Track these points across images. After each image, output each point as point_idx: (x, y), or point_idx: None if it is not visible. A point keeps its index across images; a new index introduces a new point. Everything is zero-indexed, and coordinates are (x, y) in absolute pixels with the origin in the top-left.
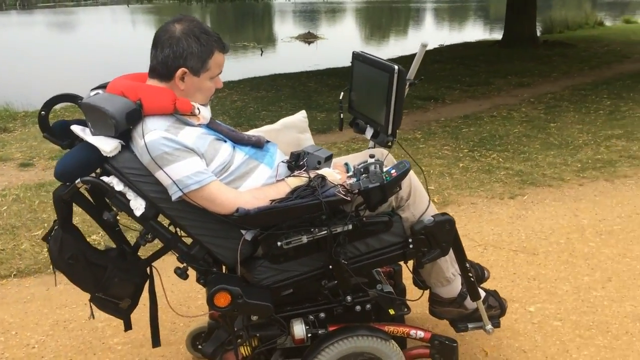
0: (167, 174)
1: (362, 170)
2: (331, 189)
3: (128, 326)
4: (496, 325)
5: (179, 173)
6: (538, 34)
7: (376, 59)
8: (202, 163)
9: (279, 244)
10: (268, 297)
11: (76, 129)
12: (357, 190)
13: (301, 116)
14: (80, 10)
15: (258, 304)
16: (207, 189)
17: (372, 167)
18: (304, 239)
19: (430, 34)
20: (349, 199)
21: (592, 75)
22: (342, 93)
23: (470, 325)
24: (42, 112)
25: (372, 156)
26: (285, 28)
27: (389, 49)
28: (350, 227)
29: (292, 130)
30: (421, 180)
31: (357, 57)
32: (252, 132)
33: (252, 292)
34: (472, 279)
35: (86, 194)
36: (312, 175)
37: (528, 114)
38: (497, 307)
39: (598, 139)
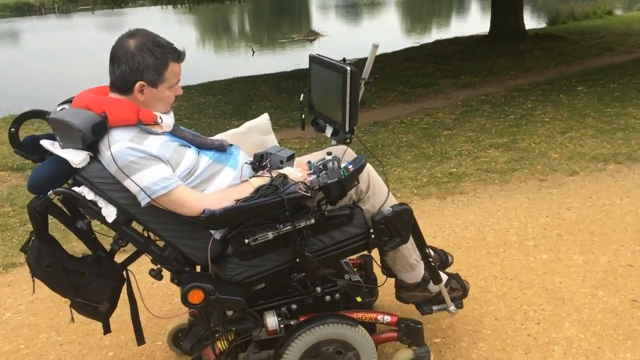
0: (134, 182)
1: (321, 167)
2: (292, 187)
3: (107, 329)
4: (459, 306)
5: (145, 180)
6: (543, 25)
7: (330, 61)
8: (168, 169)
9: (246, 241)
10: (239, 292)
11: (46, 143)
12: (317, 186)
13: (264, 119)
14: (120, 12)
15: (230, 298)
16: (173, 194)
17: (330, 164)
18: (270, 235)
19: (440, 26)
20: (309, 195)
21: (553, 71)
22: (302, 95)
23: (434, 308)
24: (12, 129)
25: (329, 153)
26: (312, 24)
27: (403, 41)
28: (312, 221)
29: (256, 132)
30: (380, 173)
31: (313, 59)
32: (218, 136)
33: (224, 288)
34: (433, 264)
35: (60, 204)
36: (274, 174)
37: (436, 121)
38: (459, 289)
39: (476, 149)
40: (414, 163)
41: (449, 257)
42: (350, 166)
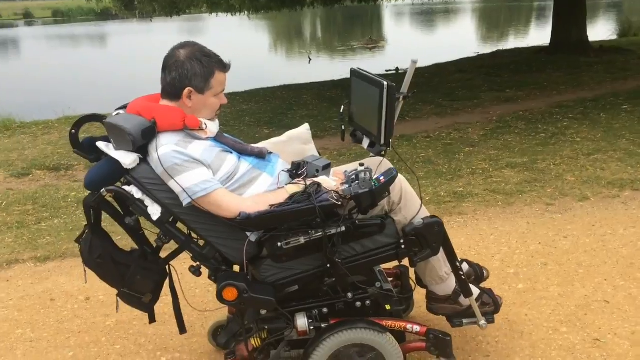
0: (177, 183)
1: (353, 177)
2: (325, 195)
3: (152, 319)
4: (490, 321)
5: (188, 182)
6: (614, 37)
7: (369, 75)
8: (209, 173)
9: (279, 244)
10: (271, 292)
11: (101, 144)
12: (348, 196)
13: (304, 129)
14: (198, 17)
15: (261, 298)
16: (212, 196)
17: (362, 174)
18: (302, 240)
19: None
20: (340, 203)
21: (606, 87)
22: (342, 107)
23: (465, 321)
24: (73, 131)
25: (361, 164)
26: (383, 31)
27: (468, 50)
28: (343, 229)
29: (296, 141)
30: (414, 185)
31: (353, 73)
32: (260, 144)
33: (257, 288)
34: (463, 277)
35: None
36: (308, 182)
37: (462, 136)
38: (491, 304)
39: (492, 168)
40: (423, 180)
41: (485, 272)
42: (382, 177)
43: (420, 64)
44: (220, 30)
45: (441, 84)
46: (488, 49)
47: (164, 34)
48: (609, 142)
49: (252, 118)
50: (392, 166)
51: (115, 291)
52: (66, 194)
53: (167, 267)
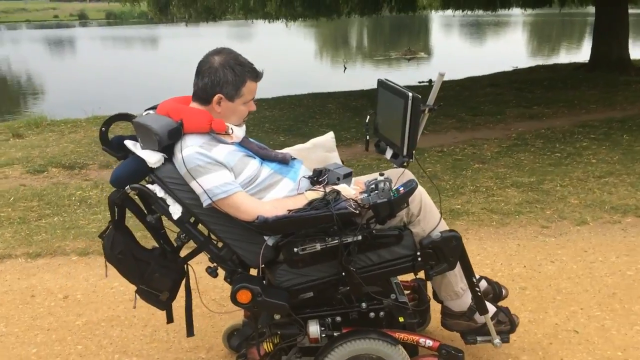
0: (199, 184)
1: (372, 187)
2: (343, 203)
3: (170, 319)
4: (505, 340)
5: (209, 183)
6: None
7: (395, 86)
8: (231, 175)
9: (295, 250)
10: (285, 297)
11: (129, 143)
12: (367, 205)
13: (329, 137)
14: (244, 23)
15: (275, 302)
16: (232, 198)
17: (381, 184)
18: (318, 247)
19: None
20: (357, 212)
21: (637, 108)
22: (367, 117)
23: (479, 338)
24: (103, 129)
25: (381, 174)
26: (426, 41)
27: (509, 63)
28: (360, 238)
29: (320, 149)
30: (436, 199)
31: (381, 84)
32: (285, 150)
33: (271, 292)
34: (480, 294)
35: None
36: (328, 189)
37: (475, 152)
38: (506, 322)
39: (496, 186)
40: None
41: (503, 290)
42: (401, 188)
43: (455, 76)
44: (265, 36)
45: (470, 98)
46: (537, 63)
47: (212, 38)
48: (625, 165)
49: (272, 125)
50: (413, 177)
51: (133, 287)
52: (72, 192)
53: (185, 266)
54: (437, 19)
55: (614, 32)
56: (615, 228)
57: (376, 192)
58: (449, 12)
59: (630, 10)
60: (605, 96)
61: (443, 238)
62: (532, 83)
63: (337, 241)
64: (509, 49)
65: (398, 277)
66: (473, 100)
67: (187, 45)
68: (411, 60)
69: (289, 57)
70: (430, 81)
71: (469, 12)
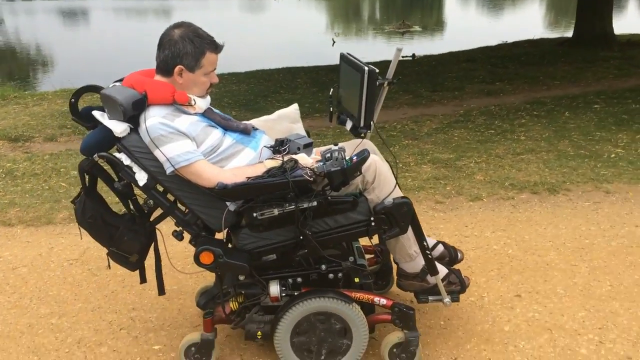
0: (162, 152)
1: (328, 156)
2: (299, 171)
3: (143, 279)
4: (455, 299)
5: (171, 152)
6: None
7: (354, 60)
8: (192, 144)
9: (254, 214)
10: (245, 258)
11: (96, 113)
12: (321, 173)
13: (293, 108)
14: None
15: (235, 263)
16: (194, 166)
17: (335, 154)
18: (276, 212)
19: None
20: (312, 179)
21: (602, 85)
22: (331, 90)
23: (430, 298)
24: (72, 100)
25: (335, 144)
26: (439, 14)
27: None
28: (315, 204)
29: (285, 120)
30: (394, 169)
31: (342, 58)
32: (252, 121)
33: (232, 254)
34: (430, 256)
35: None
36: (286, 158)
37: (413, 129)
38: (457, 283)
39: (414, 163)
40: None
41: (459, 254)
42: (355, 157)
43: (447, 50)
44: (275, 9)
45: (441, 74)
46: (547, 36)
47: (222, 11)
48: (551, 142)
49: (231, 99)
50: (375, 148)
51: None
52: (3, 164)
53: (155, 230)
54: None
55: (597, 6)
56: (507, 204)
57: (331, 160)
58: None
59: None
60: (574, 72)
61: (395, 204)
62: (510, 59)
63: (293, 207)
64: (530, 21)
65: (360, 241)
66: (442, 76)
67: (196, 17)
68: (405, 34)
69: (289, 30)
70: (413, 55)
71: None
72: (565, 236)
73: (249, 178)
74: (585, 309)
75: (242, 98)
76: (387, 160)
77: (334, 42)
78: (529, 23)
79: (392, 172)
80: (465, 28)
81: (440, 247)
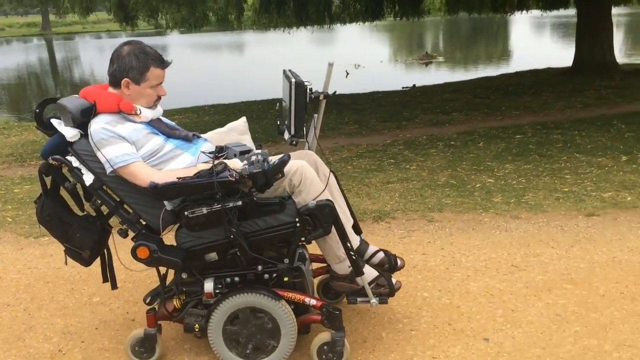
0: (102, 154)
1: (253, 159)
2: (225, 173)
3: (105, 279)
4: (383, 301)
5: (111, 153)
6: None
7: (289, 75)
8: (131, 148)
9: (185, 213)
10: (180, 255)
11: (54, 121)
12: (245, 174)
13: (242, 121)
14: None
15: (168, 258)
16: (130, 167)
17: (257, 157)
18: (204, 211)
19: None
20: (233, 179)
21: (558, 115)
22: (277, 104)
23: (359, 299)
24: (37, 110)
25: (259, 147)
26: (505, 43)
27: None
28: (239, 203)
29: (234, 132)
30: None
31: (284, 73)
32: (206, 134)
33: (166, 250)
34: (354, 257)
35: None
36: (216, 162)
37: (325, 157)
38: (386, 286)
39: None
40: None
41: (399, 261)
42: (277, 161)
43: (444, 81)
44: (343, 39)
45: (409, 104)
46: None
47: (296, 44)
48: (433, 172)
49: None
50: (320, 159)
51: None
52: None
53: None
54: (521, 19)
55: (596, 34)
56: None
57: (253, 163)
58: (537, 12)
59: (630, 10)
60: (545, 102)
61: (317, 206)
62: (497, 89)
63: (219, 206)
64: (547, 50)
65: (309, 249)
66: (410, 106)
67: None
68: (428, 65)
69: (319, 61)
70: (414, 86)
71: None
72: None
73: (179, 178)
74: None
75: (195, 129)
76: (332, 171)
77: (348, 73)
78: (553, 51)
79: (328, 180)
80: (499, 57)
81: (381, 254)
